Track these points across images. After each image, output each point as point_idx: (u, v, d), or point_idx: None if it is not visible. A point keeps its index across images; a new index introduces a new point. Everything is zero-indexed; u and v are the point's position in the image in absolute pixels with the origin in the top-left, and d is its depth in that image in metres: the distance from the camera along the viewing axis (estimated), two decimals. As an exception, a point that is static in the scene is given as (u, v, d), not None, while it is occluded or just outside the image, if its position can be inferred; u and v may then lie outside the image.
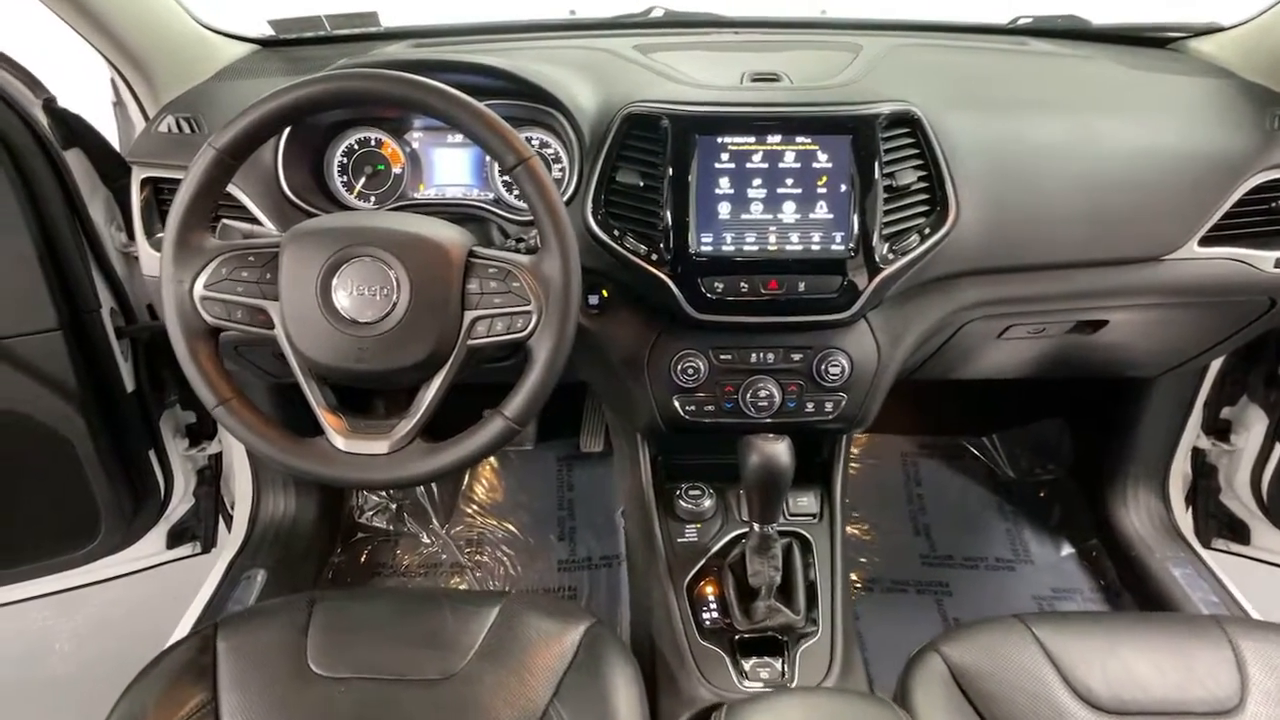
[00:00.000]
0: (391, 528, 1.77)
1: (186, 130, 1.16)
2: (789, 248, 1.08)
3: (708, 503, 1.22)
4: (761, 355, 1.14)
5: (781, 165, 1.07)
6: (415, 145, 1.23)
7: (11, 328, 1.24)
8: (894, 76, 1.19)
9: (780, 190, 1.08)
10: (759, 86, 1.13)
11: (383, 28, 1.44)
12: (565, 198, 1.12)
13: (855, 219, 1.07)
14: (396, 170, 1.23)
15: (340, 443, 0.90)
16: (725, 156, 1.07)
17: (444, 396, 0.91)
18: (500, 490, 1.82)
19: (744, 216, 1.08)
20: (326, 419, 0.91)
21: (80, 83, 1.32)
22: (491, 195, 1.24)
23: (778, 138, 1.07)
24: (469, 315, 0.89)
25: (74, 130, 1.28)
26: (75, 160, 1.28)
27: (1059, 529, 1.79)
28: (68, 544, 1.42)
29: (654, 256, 1.08)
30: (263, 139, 0.90)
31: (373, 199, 1.23)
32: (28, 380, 1.27)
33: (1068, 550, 1.76)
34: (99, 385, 1.35)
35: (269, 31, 1.42)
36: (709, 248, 1.08)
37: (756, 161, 1.07)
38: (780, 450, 1.04)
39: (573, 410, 1.84)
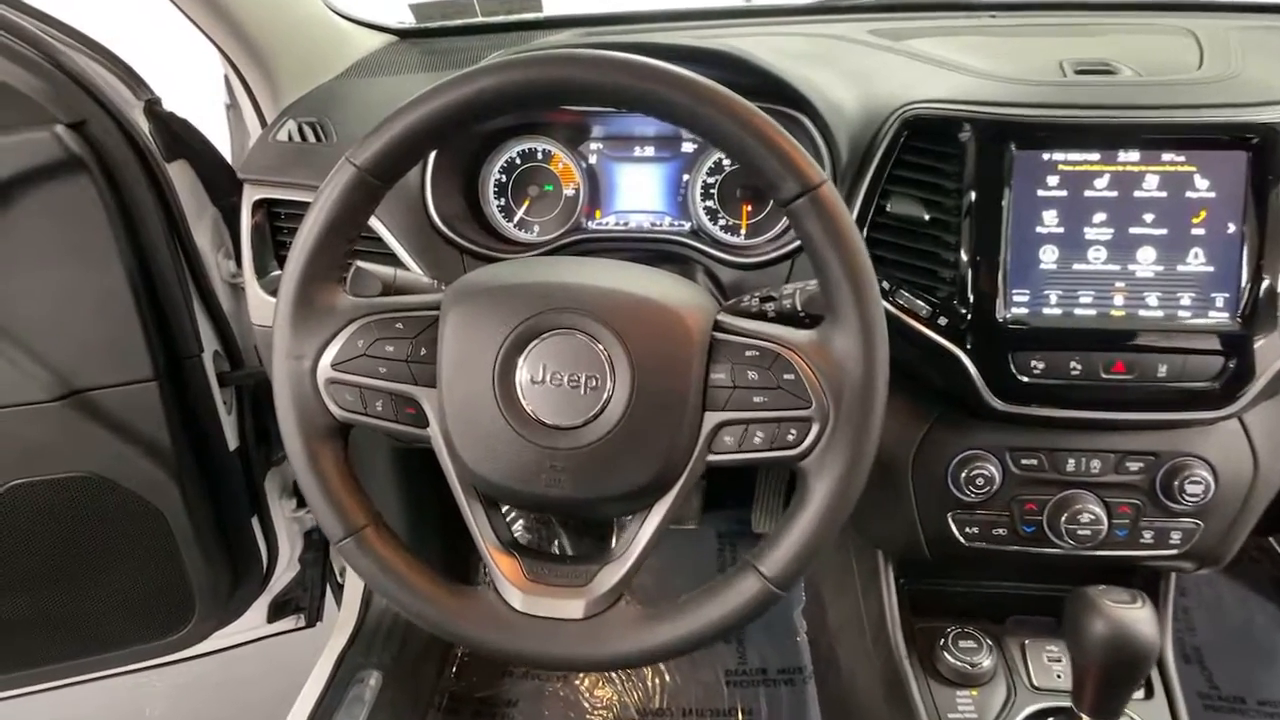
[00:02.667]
0: (523, 615, 1.49)
1: (311, 139, 0.91)
2: (1144, 313, 0.74)
3: (986, 662, 0.88)
4: (1083, 462, 0.80)
5: (1139, 194, 0.74)
6: (593, 160, 0.95)
7: (97, 378, 1.02)
8: (1276, 69, 0.83)
9: (1135, 230, 0.74)
10: (1094, 81, 0.80)
11: (544, 15, 1.17)
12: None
13: (1247, 273, 0.72)
14: (568, 192, 0.95)
15: (517, 599, 0.61)
16: (1054, 180, 0.74)
17: (663, 534, 0.62)
18: (651, 573, 1.50)
19: (1078, 266, 0.75)
20: (498, 563, 0.62)
21: (185, 81, 1.10)
22: (688, 225, 0.94)
23: (1135, 154, 0.74)
24: (712, 419, 0.59)
25: (180, 138, 1.05)
26: (179, 174, 1.05)
27: (1390, 670, 1.36)
28: (156, 630, 1.20)
29: (941, 320, 0.76)
30: (422, 152, 0.62)
31: (536, 228, 0.96)
32: (114, 440, 1.04)
33: (1406, 701, 1.33)
34: (197, 445, 1.12)
35: (408, 19, 1.17)
36: (1025, 310, 0.75)
37: (1100, 188, 0.74)
38: (1142, 619, 0.70)
39: (742, 478, 1.51)
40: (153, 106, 1.02)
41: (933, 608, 0.94)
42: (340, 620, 1.37)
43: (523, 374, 0.59)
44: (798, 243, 0.82)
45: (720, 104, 0.56)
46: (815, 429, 0.58)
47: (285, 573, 1.40)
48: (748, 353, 0.59)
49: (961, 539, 0.83)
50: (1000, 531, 0.82)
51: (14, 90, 0.91)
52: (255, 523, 1.28)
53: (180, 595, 1.18)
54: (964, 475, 0.80)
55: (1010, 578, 0.94)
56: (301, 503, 1.39)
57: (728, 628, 0.60)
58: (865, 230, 0.78)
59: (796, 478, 0.60)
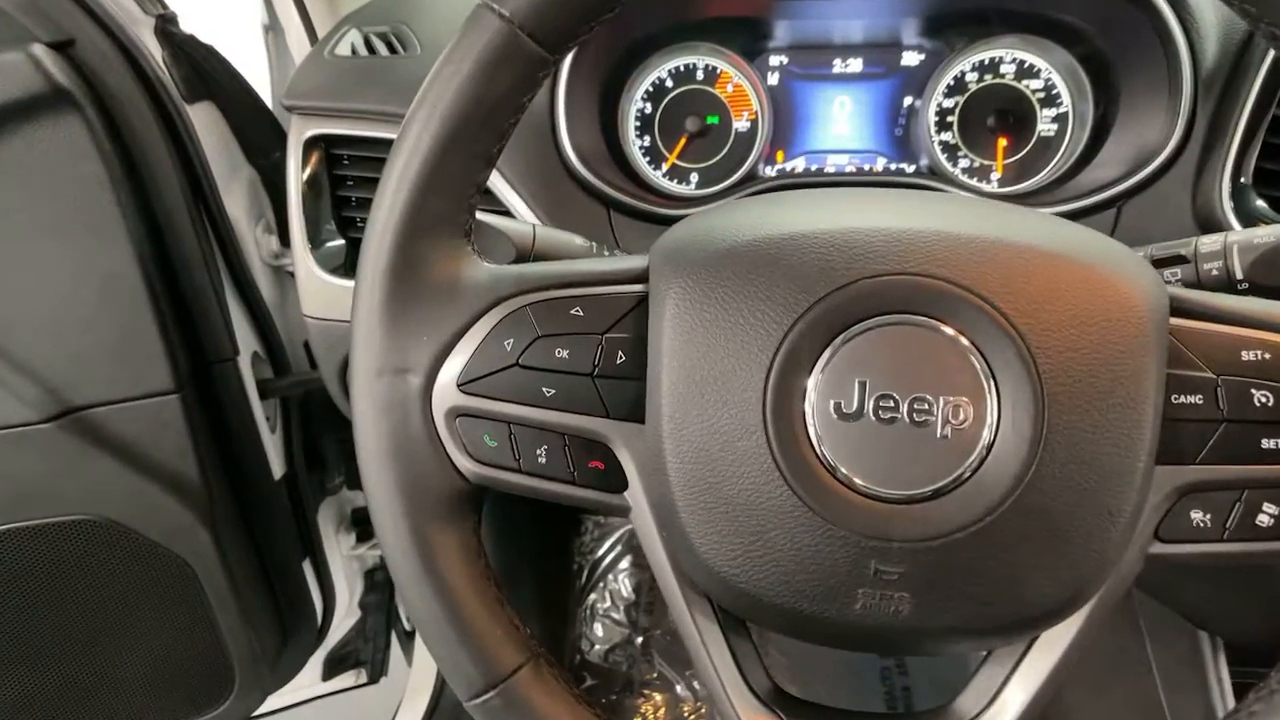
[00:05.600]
0: (634, 672, 1.21)
1: (383, 50, 0.64)
2: None
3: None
4: None
5: None
6: (774, 79, 0.67)
7: (101, 392, 0.77)
8: None
9: None
10: None
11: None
12: (1153, 168, 0.54)
13: None
14: (740, 125, 0.67)
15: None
16: None
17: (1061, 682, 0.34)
18: (785, 654, 1.20)
19: None
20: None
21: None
22: (912, 167, 0.66)
23: None
24: (1169, 479, 0.31)
25: (204, 72, 0.80)
26: (204, 120, 0.80)
27: None
28: (189, 707, 0.95)
29: None
30: (612, 3, 0.34)
31: (694, 178, 0.68)
32: (125, 472, 0.80)
33: None
34: (232, 475, 0.88)
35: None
36: None
37: None
38: None
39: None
40: (166, 26, 0.76)
41: None
42: (413, 684, 1.11)
43: (818, 400, 0.31)
44: (1125, 184, 0.54)
45: None
46: None
47: (344, 621, 1.16)
48: (1247, 354, 0.31)
49: None
50: None
51: (-23, 0, 0.66)
52: (307, 565, 1.03)
53: (216, 664, 0.94)
54: None
55: None
56: (362, 536, 1.14)
57: None
58: (1253, 163, 0.50)
59: None
